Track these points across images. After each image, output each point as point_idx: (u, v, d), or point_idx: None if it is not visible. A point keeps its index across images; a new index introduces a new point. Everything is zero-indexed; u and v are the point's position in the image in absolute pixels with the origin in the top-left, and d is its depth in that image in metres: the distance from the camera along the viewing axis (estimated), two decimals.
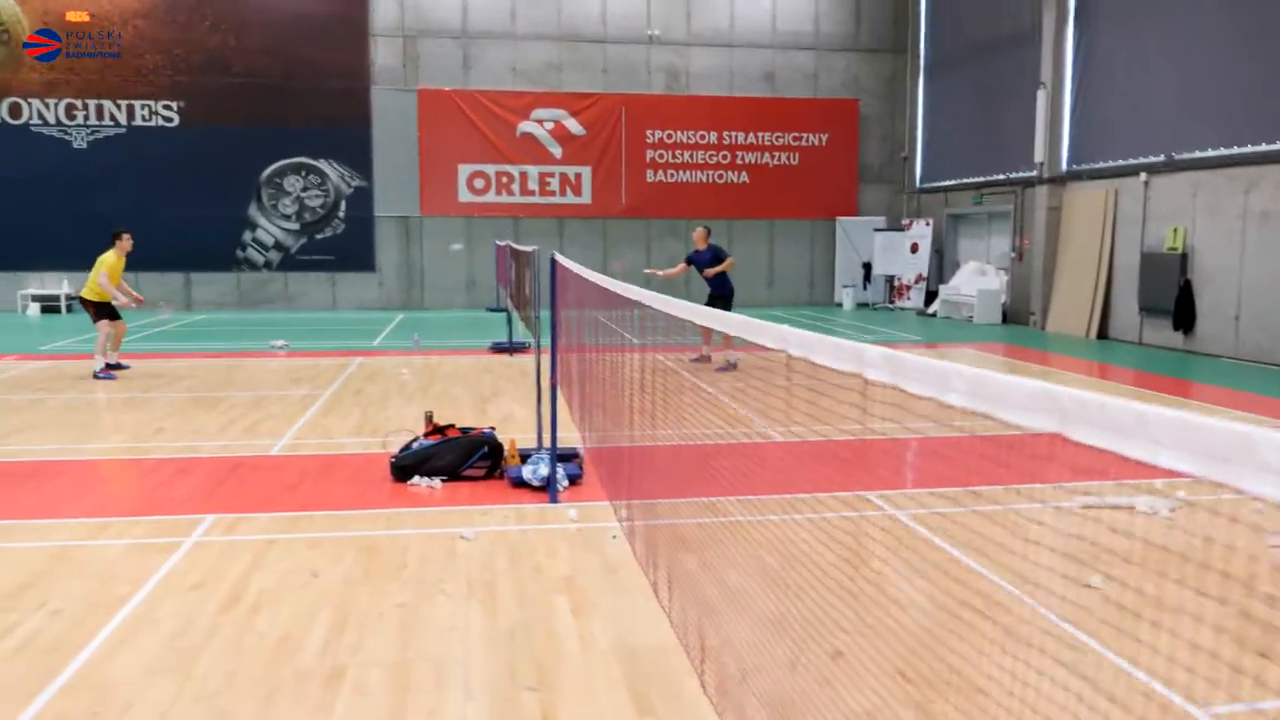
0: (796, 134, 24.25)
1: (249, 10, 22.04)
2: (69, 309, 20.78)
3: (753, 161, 24.24)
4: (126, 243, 12.44)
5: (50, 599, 4.81)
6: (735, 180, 24.22)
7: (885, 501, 6.39)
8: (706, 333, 12.78)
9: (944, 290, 21.19)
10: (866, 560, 4.74)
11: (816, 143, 24.33)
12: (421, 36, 22.66)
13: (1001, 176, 20.17)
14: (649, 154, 23.75)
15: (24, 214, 21.38)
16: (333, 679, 3.95)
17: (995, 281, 20.21)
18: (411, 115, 22.66)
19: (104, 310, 12.18)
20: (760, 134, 24.12)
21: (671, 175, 23.90)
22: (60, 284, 21.35)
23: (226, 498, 6.73)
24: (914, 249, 23.03)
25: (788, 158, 24.35)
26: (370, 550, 5.60)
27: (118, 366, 12.31)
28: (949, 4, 22.64)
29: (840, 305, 23.64)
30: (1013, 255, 19.95)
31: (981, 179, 21.03)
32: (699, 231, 13.21)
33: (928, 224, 22.92)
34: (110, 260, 12.13)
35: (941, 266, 22.80)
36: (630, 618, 4.60)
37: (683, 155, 23.92)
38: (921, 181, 24.11)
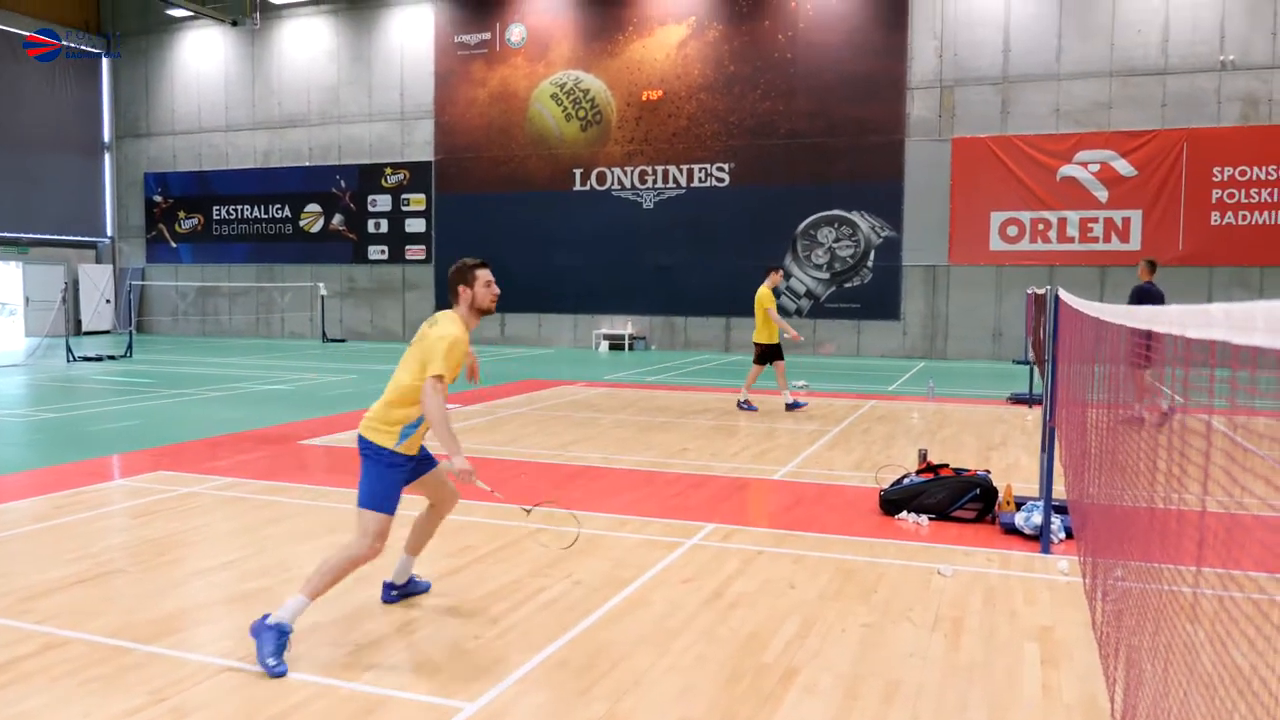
0: None
1: (798, 78, 23.78)
2: (630, 347, 23.96)
3: None
4: (776, 277, 13.20)
5: (575, 572, 5.69)
6: None
7: None
8: None
9: None
10: None
11: None
12: (959, 85, 22.57)
13: None
14: (1215, 193, 20.98)
15: (602, 266, 25.27)
16: (787, 676, 4.16)
17: None
18: (944, 165, 22.64)
19: (769, 354, 12.79)
20: None
21: (1244, 217, 20.84)
22: (625, 325, 24.76)
23: (728, 510, 7.35)
24: None
25: None
26: (847, 573, 5.75)
27: (749, 408, 12.82)
28: None
29: None
30: None
31: None
32: None
33: None
34: (764, 294, 12.84)
35: None
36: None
37: (1261, 194, 20.75)
38: None
